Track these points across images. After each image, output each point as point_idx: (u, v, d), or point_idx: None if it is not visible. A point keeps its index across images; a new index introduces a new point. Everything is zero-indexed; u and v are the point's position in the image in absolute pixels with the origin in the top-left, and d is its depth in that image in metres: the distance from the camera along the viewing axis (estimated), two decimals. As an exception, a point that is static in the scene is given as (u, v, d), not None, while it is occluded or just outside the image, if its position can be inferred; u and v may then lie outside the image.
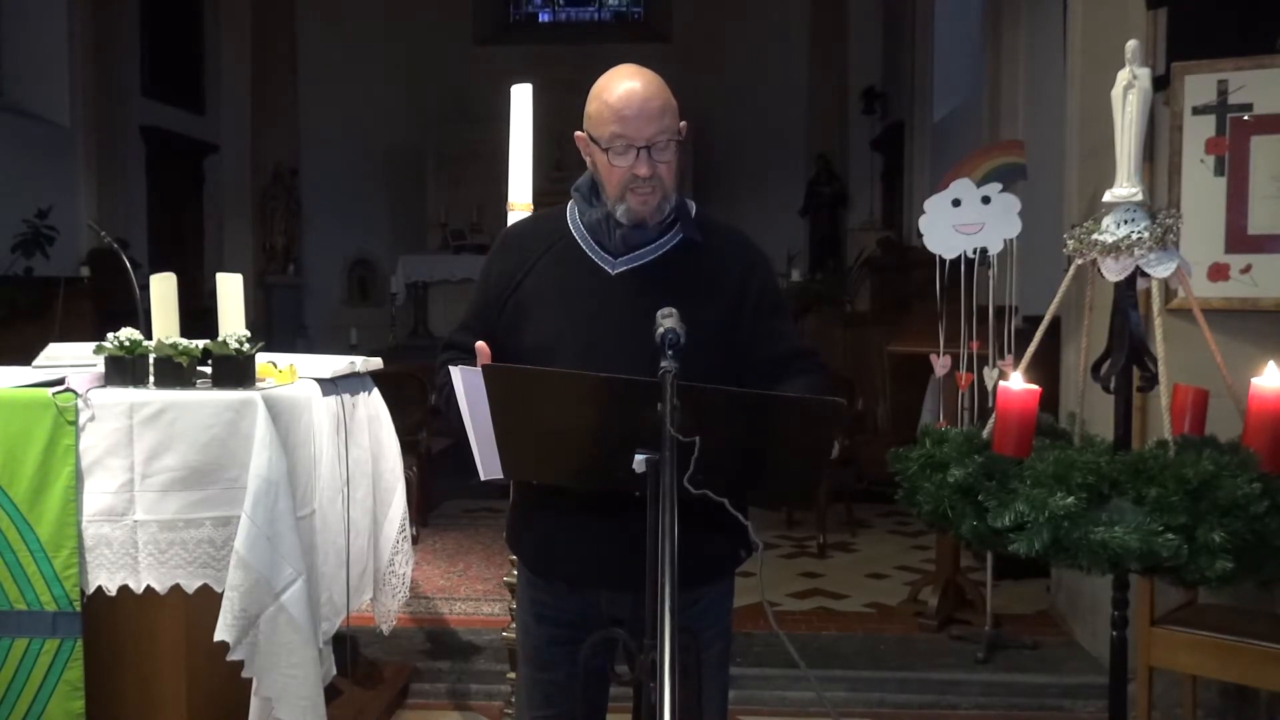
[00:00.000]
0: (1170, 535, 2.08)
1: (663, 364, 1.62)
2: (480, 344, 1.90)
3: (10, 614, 2.73)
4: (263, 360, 2.98)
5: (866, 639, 4.32)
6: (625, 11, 13.82)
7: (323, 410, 3.08)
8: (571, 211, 2.04)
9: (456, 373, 1.92)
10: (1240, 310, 3.54)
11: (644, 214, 1.93)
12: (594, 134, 1.92)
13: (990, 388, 3.85)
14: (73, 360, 3.19)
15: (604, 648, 1.85)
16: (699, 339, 1.84)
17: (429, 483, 6.12)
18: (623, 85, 1.89)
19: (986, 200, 4.00)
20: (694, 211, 2.03)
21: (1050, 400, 2.92)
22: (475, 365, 1.89)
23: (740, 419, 1.75)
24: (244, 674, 2.69)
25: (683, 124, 1.94)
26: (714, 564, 2.01)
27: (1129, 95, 2.34)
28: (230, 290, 2.97)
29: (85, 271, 8.78)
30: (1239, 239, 3.57)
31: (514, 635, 3.23)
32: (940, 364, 4.14)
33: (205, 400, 2.75)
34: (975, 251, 4.00)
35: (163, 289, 2.96)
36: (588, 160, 1.98)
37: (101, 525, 2.73)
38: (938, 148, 9.33)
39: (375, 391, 3.51)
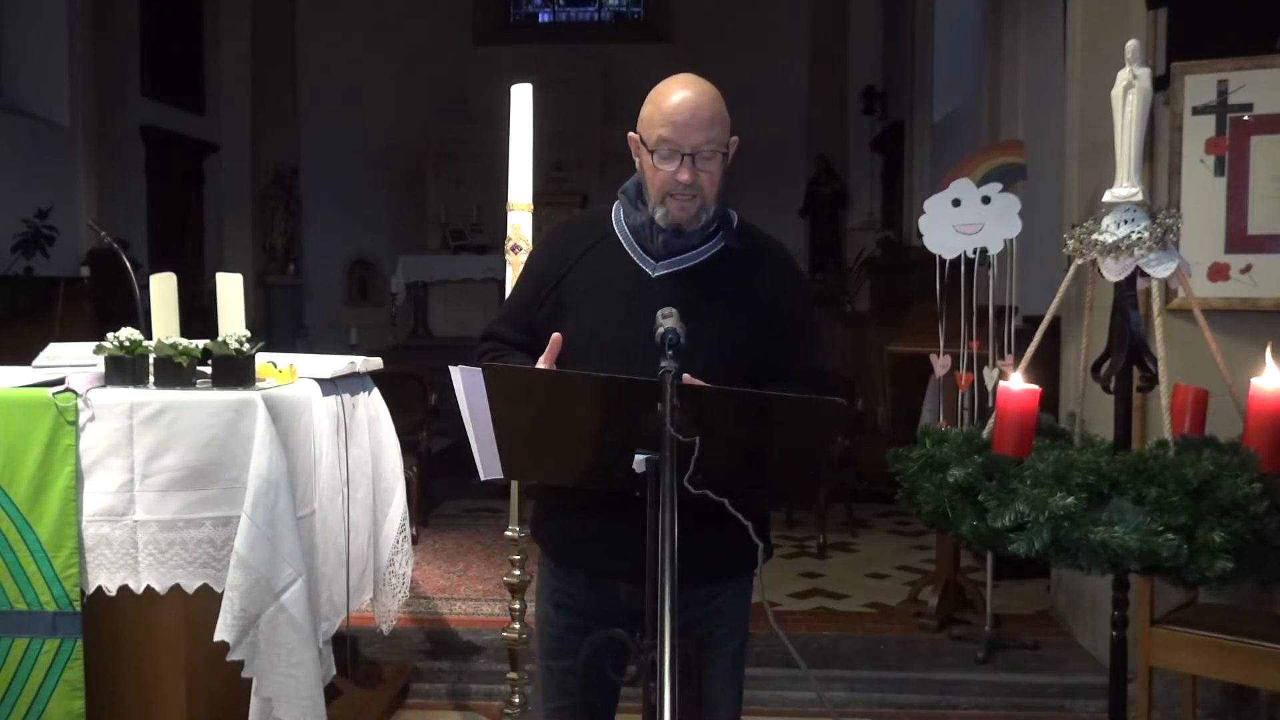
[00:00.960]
0: (1170, 535, 2.08)
1: (663, 364, 1.62)
2: (555, 336, 1.93)
3: (10, 614, 2.73)
4: (263, 360, 2.98)
5: (866, 639, 4.32)
6: (625, 11, 13.79)
7: (323, 410, 3.08)
8: (616, 212, 2.07)
9: (456, 372, 1.93)
10: (1240, 310, 3.54)
11: (681, 221, 1.96)
12: (644, 136, 1.97)
13: (990, 388, 3.85)
14: (73, 360, 3.19)
15: (608, 647, 1.85)
16: (732, 346, 1.89)
17: (429, 483, 6.12)
18: (677, 93, 1.94)
19: (986, 200, 4.00)
20: (735, 221, 2.05)
21: (1050, 400, 2.92)
22: (523, 356, 1.95)
23: (740, 419, 1.75)
24: (244, 674, 2.69)
25: (734, 139, 1.97)
26: (733, 562, 2.01)
27: (1129, 95, 2.34)
28: (230, 290, 2.97)
29: (85, 271, 8.76)
30: (1239, 239, 3.57)
31: (514, 635, 3.24)
32: (940, 364, 4.14)
33: (205, 400, 2.75)
34: (975, 251, 3.99)
35: (163, 289, 2.96)
36: (636, 161, 2.02)
37: (101, 525, 2.73)
38: (938, 148, 9.32)
39: (375, 391, 3.51)
